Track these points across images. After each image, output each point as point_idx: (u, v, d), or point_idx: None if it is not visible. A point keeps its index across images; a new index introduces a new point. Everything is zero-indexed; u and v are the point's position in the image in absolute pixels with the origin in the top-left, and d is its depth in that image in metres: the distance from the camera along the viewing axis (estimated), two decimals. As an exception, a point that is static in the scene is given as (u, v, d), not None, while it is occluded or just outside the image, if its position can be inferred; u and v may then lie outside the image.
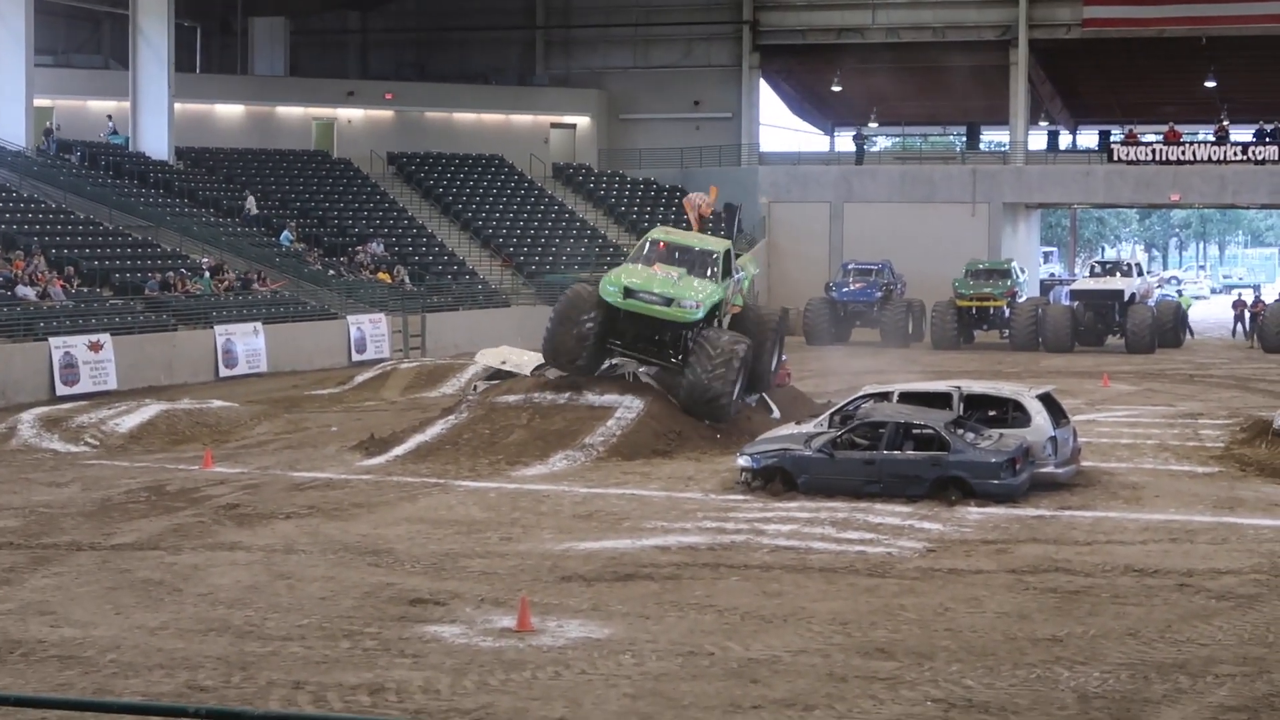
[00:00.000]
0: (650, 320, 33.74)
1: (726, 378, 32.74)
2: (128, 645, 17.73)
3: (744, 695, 15.87)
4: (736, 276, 35.74)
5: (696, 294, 33.55)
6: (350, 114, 75.10)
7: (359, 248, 62.99)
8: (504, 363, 37.26)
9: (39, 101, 62.29)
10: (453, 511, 26.04)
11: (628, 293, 33.42)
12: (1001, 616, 19.05)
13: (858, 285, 62.73)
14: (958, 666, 16.88)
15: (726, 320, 35.24)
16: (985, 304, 60.72)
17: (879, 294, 62.12)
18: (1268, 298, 69.67)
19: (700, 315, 33.42)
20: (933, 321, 60.76)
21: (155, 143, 64.76)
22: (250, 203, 63.48)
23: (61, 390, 41.99)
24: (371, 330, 54.62)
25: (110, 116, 66.60)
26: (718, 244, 35.55)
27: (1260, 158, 66.52)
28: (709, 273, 34.50)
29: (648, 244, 35.38)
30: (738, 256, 37.07)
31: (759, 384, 35.35)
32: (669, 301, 33.30)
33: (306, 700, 15.77)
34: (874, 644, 17.79)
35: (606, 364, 34.84)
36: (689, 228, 39.17)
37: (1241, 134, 71.09)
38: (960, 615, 19.11)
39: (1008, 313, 60.31)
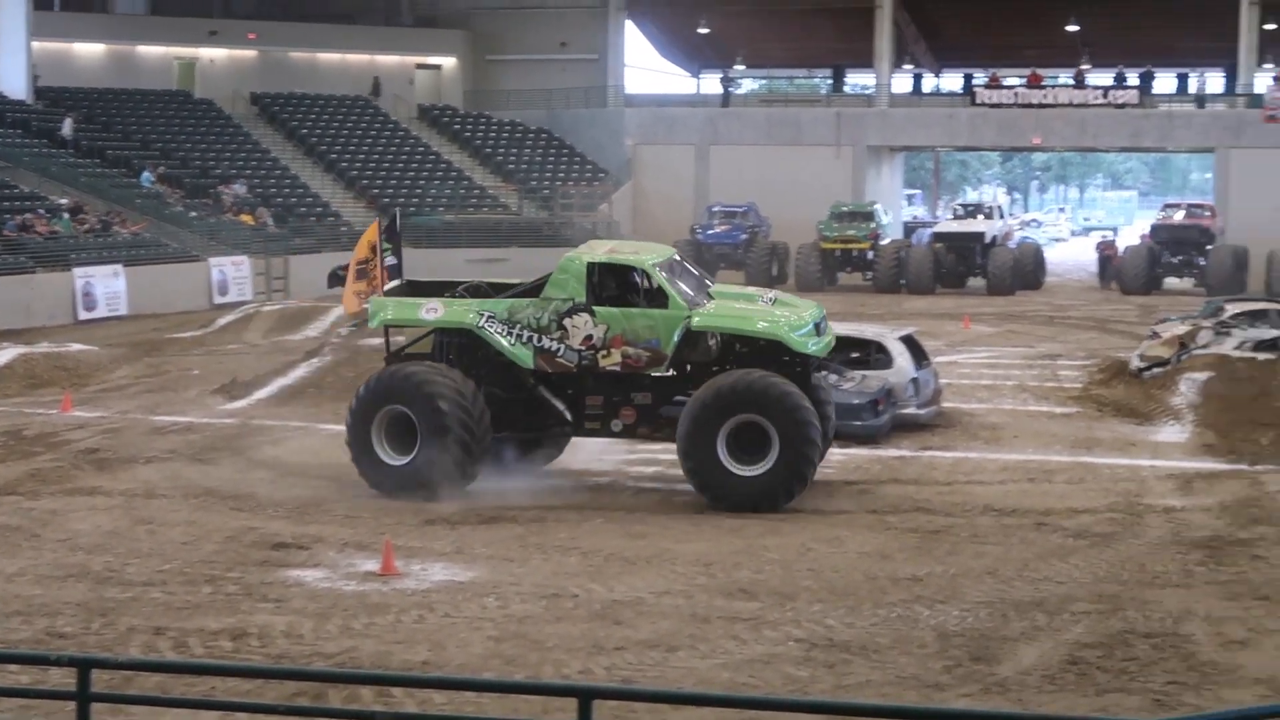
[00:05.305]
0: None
1: None
2: (-15, 592, 17.52)
3: (607, 637, 15.95)
4: None
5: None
6: (213, 53, 73.91)
7: (221, 189, 62.23)
8: None
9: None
10: (316, 455, 25.89)
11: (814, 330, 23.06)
12: (863, 556, 19.26)
13: (723, 227, 62.88)
14: (819, 606, 17.05)
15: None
16: (849, 246, 60.88)
17: (744, 236, 62.27)
18: (1123, 241, 70.62)
19: None
20: (797, 263, 60.95)
21: (13, 81, 63.36)
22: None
23: (-84, 333, 41.34)
24: (234, 273, 54.04)
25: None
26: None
27: (1120, 101, 67.08)
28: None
29: (671, 265, 23.27)
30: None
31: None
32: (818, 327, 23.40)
33: (168, 646, 15.67)
34: (737, 584, 17.93)
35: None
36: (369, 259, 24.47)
37: (1101, 78, 71.74)
38: (822, 555, 19.30)
39: (871, 255, 60.53)
